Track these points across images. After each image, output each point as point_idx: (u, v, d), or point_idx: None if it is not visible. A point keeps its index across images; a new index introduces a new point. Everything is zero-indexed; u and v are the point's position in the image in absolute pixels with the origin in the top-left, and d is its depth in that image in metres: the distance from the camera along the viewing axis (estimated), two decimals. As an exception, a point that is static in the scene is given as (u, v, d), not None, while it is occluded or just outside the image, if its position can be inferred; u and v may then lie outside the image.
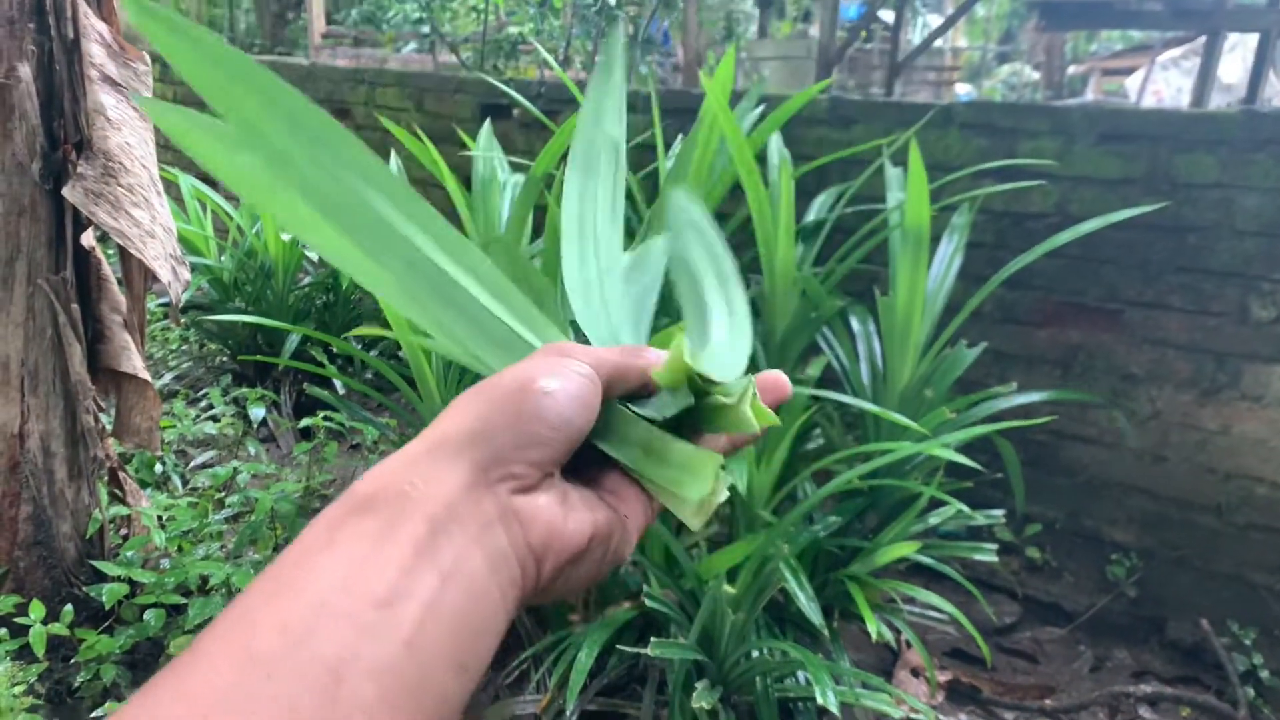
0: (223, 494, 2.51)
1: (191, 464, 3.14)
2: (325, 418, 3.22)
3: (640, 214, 2.56)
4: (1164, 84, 8.73)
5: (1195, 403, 2.51)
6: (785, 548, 1.81)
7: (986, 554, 2.15)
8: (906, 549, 2.02)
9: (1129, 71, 9.96)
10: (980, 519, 2.19)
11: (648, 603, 1.82)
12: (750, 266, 2.56)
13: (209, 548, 2.17)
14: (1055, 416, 2.56)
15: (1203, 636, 2.47)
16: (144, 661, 2.12)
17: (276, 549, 2.27)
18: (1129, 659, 2.55)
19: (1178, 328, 2.51)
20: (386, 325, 4.26)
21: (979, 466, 1.96)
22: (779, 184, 2.27)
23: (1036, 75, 10.37)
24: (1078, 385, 2.66)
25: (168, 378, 3.92)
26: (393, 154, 2.41)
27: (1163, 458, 2.58)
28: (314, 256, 3.94)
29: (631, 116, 3.56)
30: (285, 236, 3.69)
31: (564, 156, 2.37)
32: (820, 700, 1.65)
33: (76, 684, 1.96)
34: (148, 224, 1.82)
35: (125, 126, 1.86)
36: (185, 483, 2.92)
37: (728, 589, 1.83)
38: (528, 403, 0.43)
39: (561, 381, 0.45)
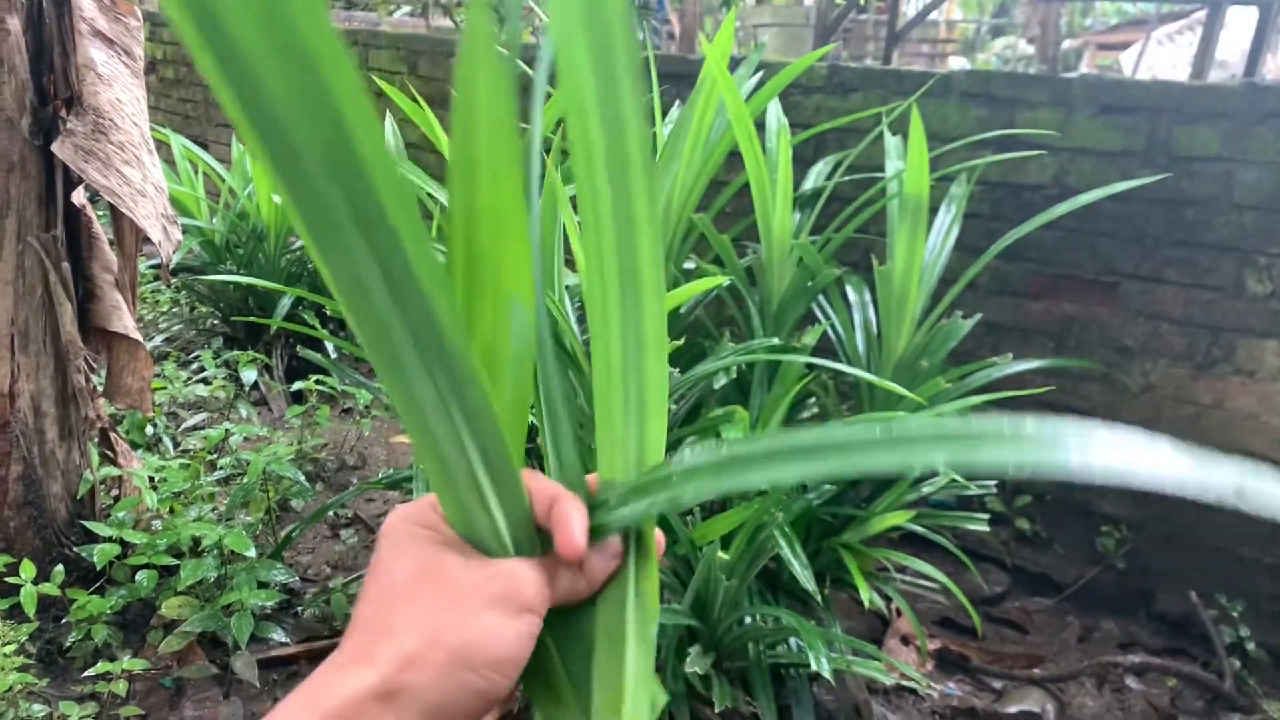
0: (215, 455, 2.49)
1: (182, 426, 3.13)
2: (317, 381, 3.21)
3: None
4: (1159, 60, 8.70)
5: (1189, 376, 2.51)
6: (779, 515, 1.81)
7: (979, 524, 2.15)
8: (899, 518, 2.02)
9: (1124, 47, 9.91)
10: (974, 489, 2.19)
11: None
12: (746, 234, 2.55)
13: (201, 509, 2.16)
14: (1053, 387, 2.56)
15: (1190, 609, 2.49)
16: (135, 622, 2.12)
17: (268, 512, 2.26)
18: (1116, 630, 2.56)
19: (1173, 301, 2.51)
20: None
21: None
22: (777, 151, 2.25)
23: (1031, 50, 10.31)
24: (1071, 358, 2.66)
25: (158, 339, 3.89)
26: (388, 117, 2.38)
27: (1155, 432, 2.57)
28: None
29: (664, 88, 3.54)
30: (278, 199, 3.65)
31: (559, 123, 2.35)
32: (814, 666, 1.65)
33: (68, 644, 1.96)
34: (139, 182, 1.80)
35: (116, 83, 1.83)
36: (176, 445, 2.90)
37: (721, 555, 1.83)
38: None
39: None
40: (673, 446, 2.10)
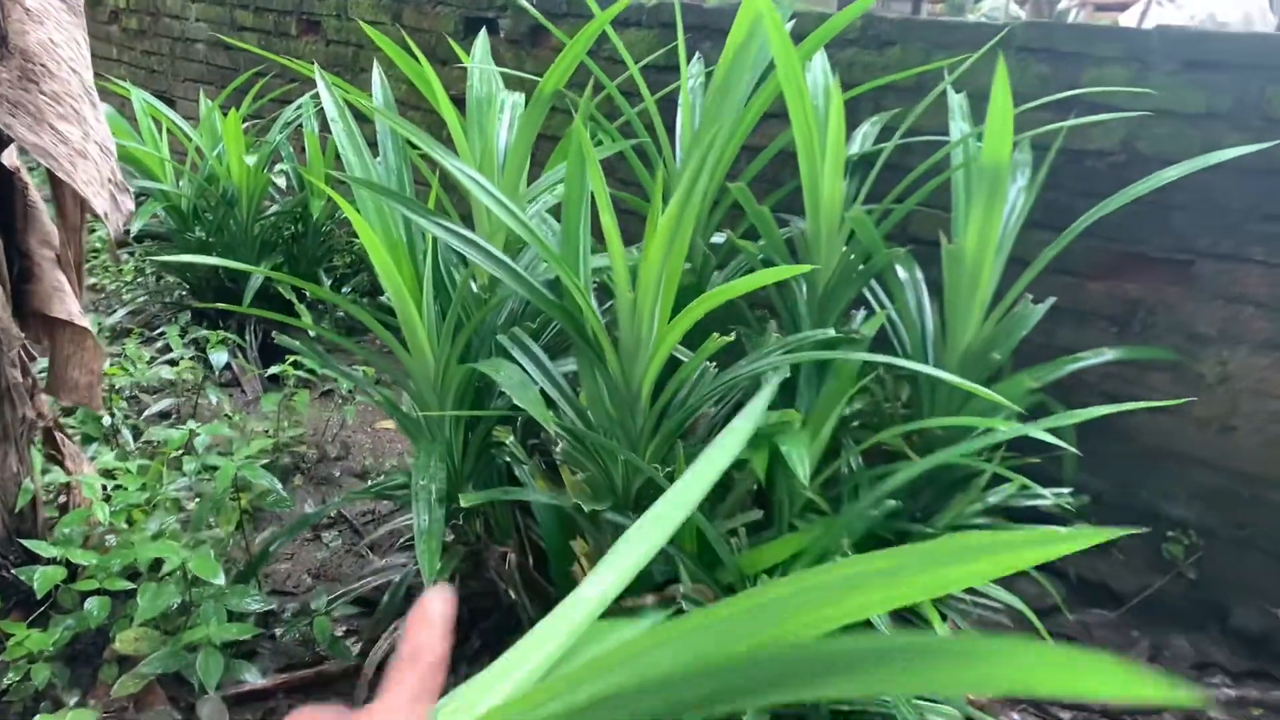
0: (180, 453, 2.19)
1: (146, 412, 2.83)
2: (295, 363, 2.91)
3: (660, 144, 2.24)
4: (1161, 22, 8.39)
5: (1273, 367, 2.25)
6: (846, 543, 1.54)
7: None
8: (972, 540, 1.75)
9: (1123, 8, 9.60)
10: (1050, 498, 1.93)
11: (684, 604, 1.55)
12: (785, 205, 2.26)
13: (163, 521, 1.87)
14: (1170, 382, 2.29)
15: (1272, 624, 2.25)
16: (85, 655, 1.82)
17: (239, 527, 1.97)
18: (1188, 647, 2.32)
19: (1258, 283, 2.24)
20: (361, 260, 3.94)
21: (1060, 442, 1.70)
22: (825, 109, 1.96)
23: (1022, 12, 9.98)
24: (1136, 344, 2.39)
25: (121, 313, 3.57)
26: (375, 71, 2.06)
27: (1231, 427, 2.32)
28: (282, 183, 3.58)
29: (636, 33, 3.21)
30: (250, 161, 3.33)
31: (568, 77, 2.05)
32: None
33: (4, 685, 1.67)
34: (78, 141, 1.49)
35: (48, 20, 1.51)
36: (138, 435, 2.60)
37: (774, 587, 1.55)
38: None
39: None
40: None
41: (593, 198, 1.53)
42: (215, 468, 1.91)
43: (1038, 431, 1.56)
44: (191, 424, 2.10)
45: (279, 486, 1.94)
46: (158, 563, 1.73)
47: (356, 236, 3.95)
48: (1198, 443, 2.37)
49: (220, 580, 1.67)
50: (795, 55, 1.79)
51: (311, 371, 2.92)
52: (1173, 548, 2.38)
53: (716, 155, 1.99)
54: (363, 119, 2.03)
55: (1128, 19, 8.85)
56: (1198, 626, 2.36)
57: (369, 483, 2.32)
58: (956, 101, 2.05)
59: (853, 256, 2.01)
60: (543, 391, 1.69)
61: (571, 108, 2.23)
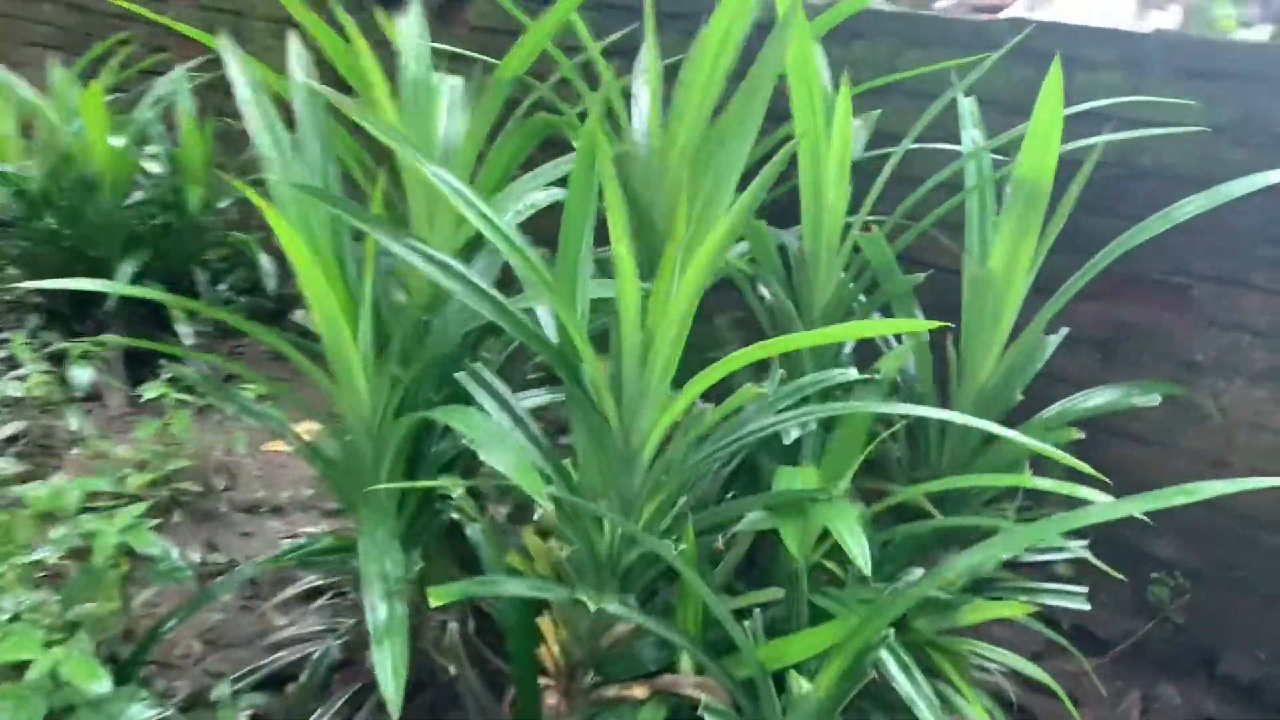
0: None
1: (-11, 439, 2.39)
2: (172, 379, 2.51)
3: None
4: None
5: (1272, 399, 2.11)
6: (891, 632, 1.29)
7: (1078, 601, 1.70)
8: (1008, 609, 1.53)
9: (996, 9, 9.76)
10: (1074, 550, 1.74)
11: (704, 704, 1.27)
12: (772, 212, 1.99)
13: (18, 600, 1.48)
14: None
15: (1264, 672, 2.12)
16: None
17: (125, 606, 1.59)
18: (1178, 696, 2.17)
19: (1259, 309, 2.09)
20: (240, 255, 3.50)
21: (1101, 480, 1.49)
22: (821, 109, 1.70)
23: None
24: (1122, 372, 2.23)
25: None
26: (292, 44, 1.68)
27: (1225, 462, 2.17)
28: (152, 167, 3.13)
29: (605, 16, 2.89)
30: (116, 142, 2.88)
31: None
32: None
33: None
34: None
35: None
36: (-21, 469, 2.17)
37: (804, 686, 1.29)
38: None
39: None
40: (711, 530, 1.54)
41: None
42: (92, 533, 1.52)
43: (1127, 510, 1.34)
44: (59, 481, 1.70)
45: (173, 554, 1.57)
46: (19, 670, 1.34)
47: (235, 229, 3.53)
48: (1188, 478, 2.18)
49: (104, 687, 1.30)
50: (809, 37, 1.52)
51: (189, 389, 2.52)
52: (1158, 590, 2.23)
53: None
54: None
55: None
56: (1187, 673, 2.22)
57: (284, 545, 1.96)
58: (967, 107, 1.82)
59: (852, 285, 1.76)
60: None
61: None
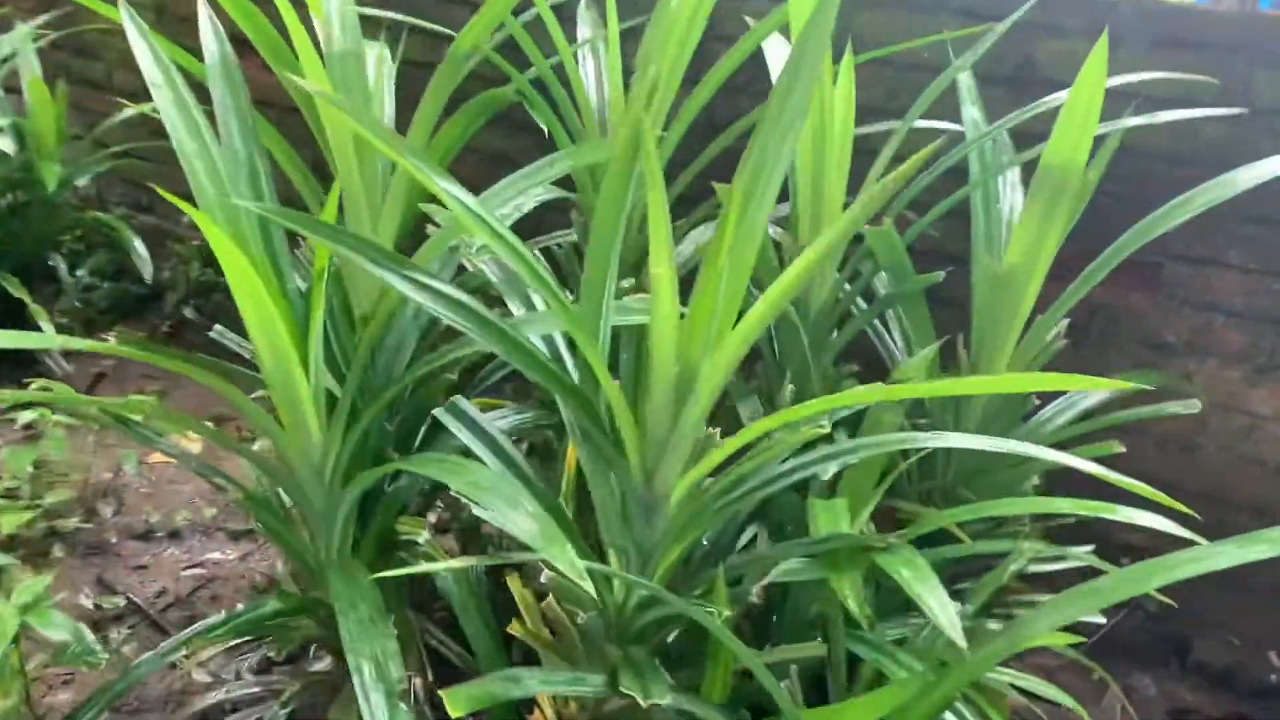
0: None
1: None
2: (43, 388, 2.19)
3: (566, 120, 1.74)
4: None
5: (1245, 381, 2.05)
6: (962, 694, 1.14)
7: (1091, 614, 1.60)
8: (1057, 639, 1.41)
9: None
10: (1083, 558, 1.63)
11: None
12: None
13: (-112, 702, 1.19)
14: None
15: (1236, 658, 2.09)
16: None
17: (26, 696, 1.31)
18: (1152, 686, 2.12)
19: (1233, 289, 2.03)
20: (98, 236, 3.11)
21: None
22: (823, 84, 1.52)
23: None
24: (1092, 354, 2.15)
25: None
26: (203, 8, 1.38)
27: (1194, 445, 2.12)
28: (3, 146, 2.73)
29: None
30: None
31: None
32: None
33: None
34: None
35: None
36: None
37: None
38: None
39: None
40: (737, 582, 1.35)
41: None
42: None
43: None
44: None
45: (88, 637, 1.30)
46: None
47: (87, 208, 3.14)
48: (1157, 462, 2.16)
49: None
50: None
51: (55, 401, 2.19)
52: (1128, 577, 2.17)
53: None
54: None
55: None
56: (1159, 663, 2.17)
57: (186, 576, 1.69)
58: (966, 84, 1.67)
59: (849, 286, 1.60)
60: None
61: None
